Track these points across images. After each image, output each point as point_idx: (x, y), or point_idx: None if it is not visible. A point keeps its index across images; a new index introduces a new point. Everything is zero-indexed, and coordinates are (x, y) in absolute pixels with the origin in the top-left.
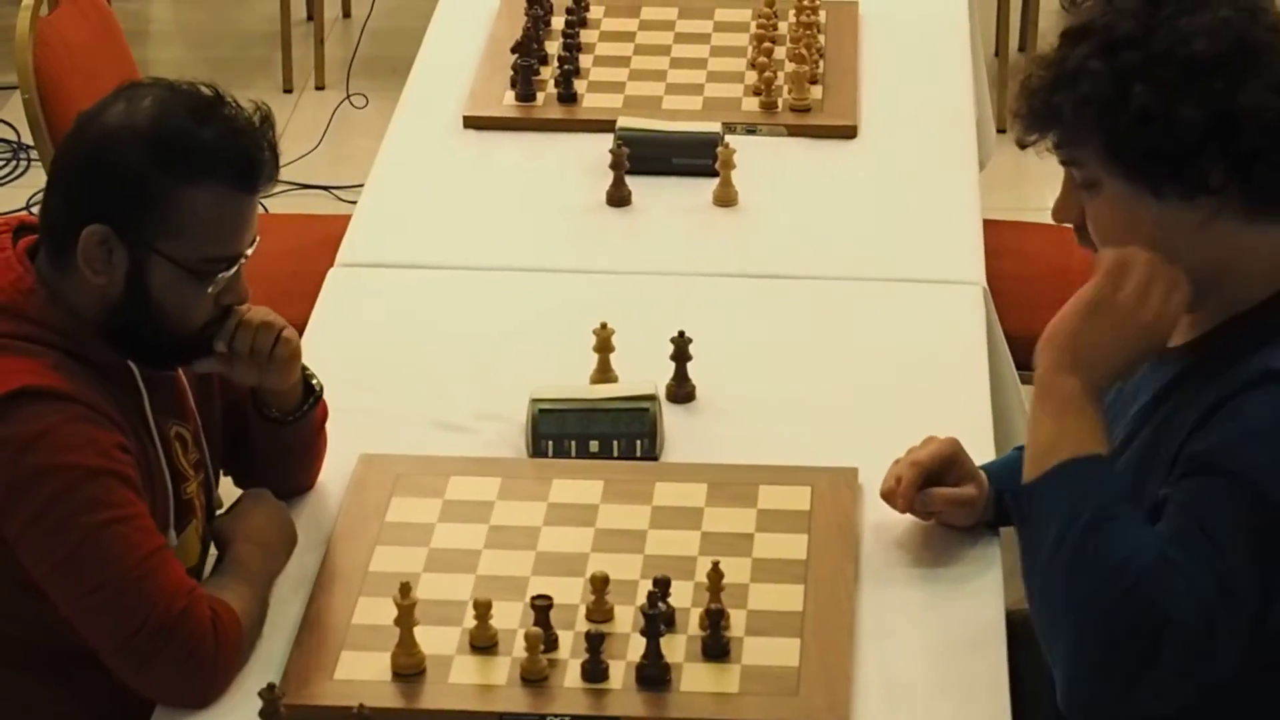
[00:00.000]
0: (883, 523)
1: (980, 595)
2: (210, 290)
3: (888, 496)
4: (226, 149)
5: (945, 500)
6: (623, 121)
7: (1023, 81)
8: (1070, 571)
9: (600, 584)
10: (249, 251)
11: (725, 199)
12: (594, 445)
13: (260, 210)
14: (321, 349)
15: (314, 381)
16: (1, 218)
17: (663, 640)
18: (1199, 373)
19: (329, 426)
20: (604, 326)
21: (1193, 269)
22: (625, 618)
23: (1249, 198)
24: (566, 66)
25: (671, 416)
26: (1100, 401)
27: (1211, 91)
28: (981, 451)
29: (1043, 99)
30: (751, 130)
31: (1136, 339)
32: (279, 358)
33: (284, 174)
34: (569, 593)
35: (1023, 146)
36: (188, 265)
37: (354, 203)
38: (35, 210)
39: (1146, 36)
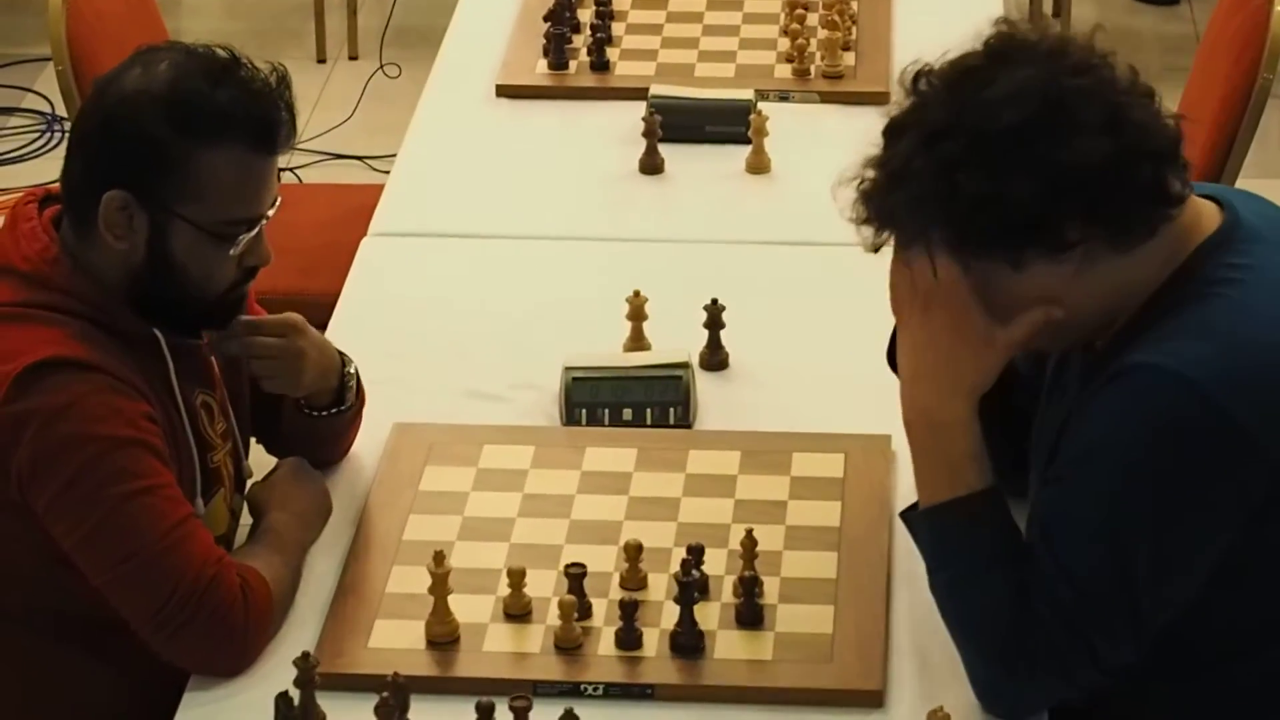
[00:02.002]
0: (915, 490)
1: None
2: (232, 253)
3: None
4: (243, 110)
5: None
6: (655, 89)
7: (858, 186)
8: (945, 612)
9: (634, 552)
10: (270, 213)
11: (758, 166)
12: (627, 413)
13: (294, 180)
14: (355, 319)
15: (350, 384)
16: (29, 189)
17: (696, 608)
18: (1093, 375)
19: (365, 395)
20: (637, 294)
21: (1087, 310)
22: (659, 586)
23: (1111, 237)
24: (599, 34)
25: (704, 384)
26: (962, 426)
27: (1036, 157)
28: None
29: (878, 203)
30: (784, 97)
31: (954, 330)
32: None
33: (317, 144)
34: (603, 561)
35: (874, 250)
36: (209, 228)
37: (387, 172)
38: None
39: (958, 120)
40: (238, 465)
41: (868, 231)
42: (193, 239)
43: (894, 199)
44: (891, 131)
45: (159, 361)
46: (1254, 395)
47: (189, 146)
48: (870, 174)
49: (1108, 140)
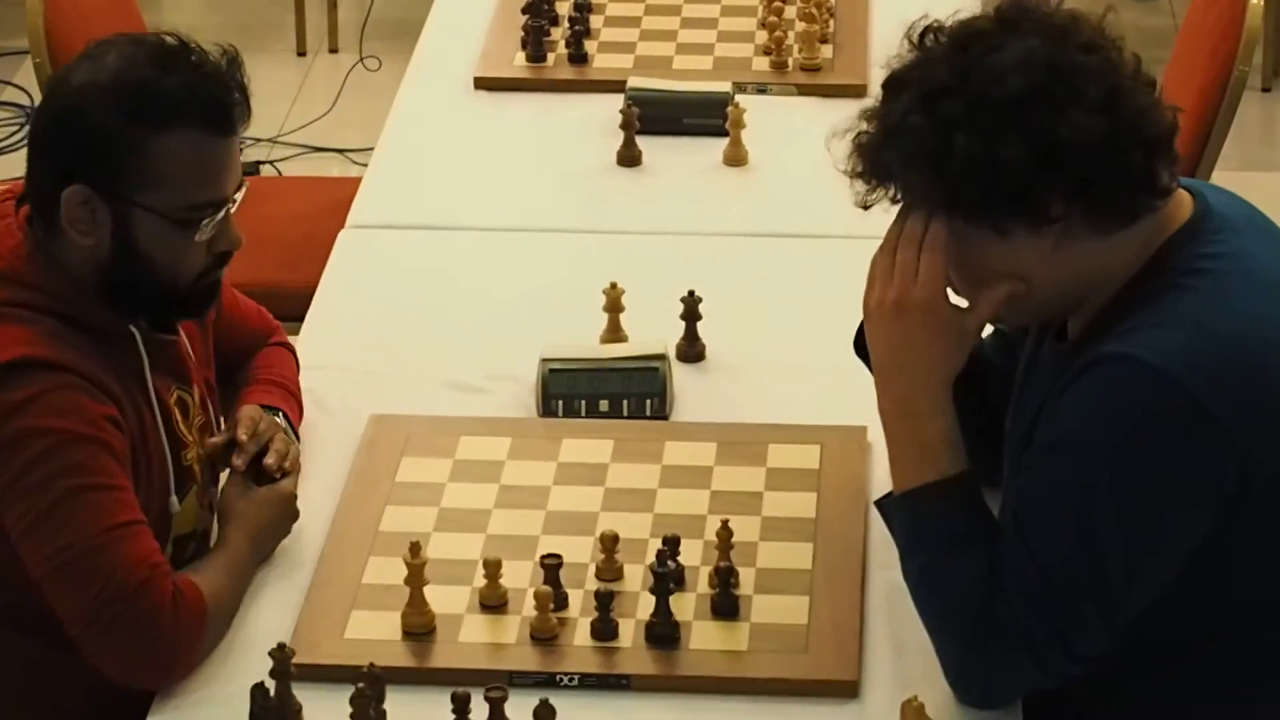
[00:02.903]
0: (891, 481)
1: None
2: (198, 238)
3: None
4: (192, 94)
5: None
6: (633, 81)
7: (854, 139)
8: (917, 597)
9: (610, 543)
10: (237, 196)
11: (735, 158)
12: (604, 404)
13: (274, 173)
14: (333, 310)
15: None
16: (10, 183)
17: (672, 599)
18: (1068, 363)
19: (340, 387)
20: (614, 286)
21: (1056, 287)
22: (635, 576)
23: (1093, 217)
24: (577, 27)
25: (681, 376)
26: (936, 413)
27: (1032, 127)
28: None
29: (872, 157)
30: (762, 90)
31: (929, 328)
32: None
33: (298, 137)
34: (579, 552)
35: (865, 207)
36: (172, 215)
37: (366, 165)
38: None
39: (961, 82)
40: (214, 462)
41: (860, 186)
42: (156, 227)
43: (888, 154)
44: (891, 85)
45: (133, 358)
46: (1227, 386)
47: (142, 134)
48: (866, 127)
49: (1105, 120)
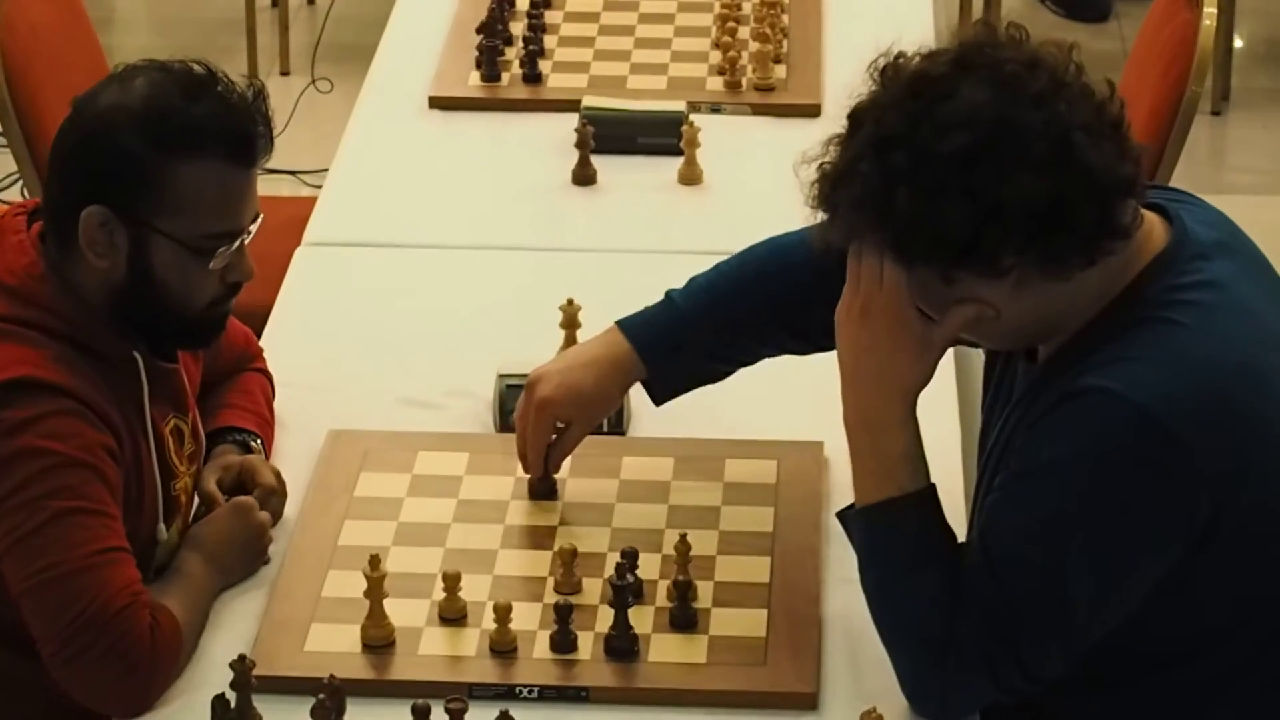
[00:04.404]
0: (849, 495)
1: None
2: (213, 267)
3: None
4: (219, 124)
5: None
6: (588, 101)
7: (819, 168)
8: (875, 611)
9: (568, 556)
10: (252, 228)
11: (690, 177)
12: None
13: None
14: (289, 327)
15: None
16: (22, 200)
17: (631, 612)
18: (1040, 387)
19: (298, 403)
20: (570, 303)
21: (1021, 319)
22: (593, 590)
23: (1045, 268)
24: (531, 47)
25: (638, 391)
26: (896, 426)
27: (976, 185)
28: (945, 420)
29: (824, 195)
30: (716, 109)
31: (893, 337)
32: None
33: None
34: (537, 565)
35: (824, 246)
36: (189, 243)
37: (319, 187)
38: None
39: (910, 132)
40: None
41: (821, 218)
42: (173, 254)
43: (838, 196)
44: (853, 120)
45: (134, 384)
46: (1203, 420)
47: (166, 161)
48: (830, 156)
49: (1051, 180)
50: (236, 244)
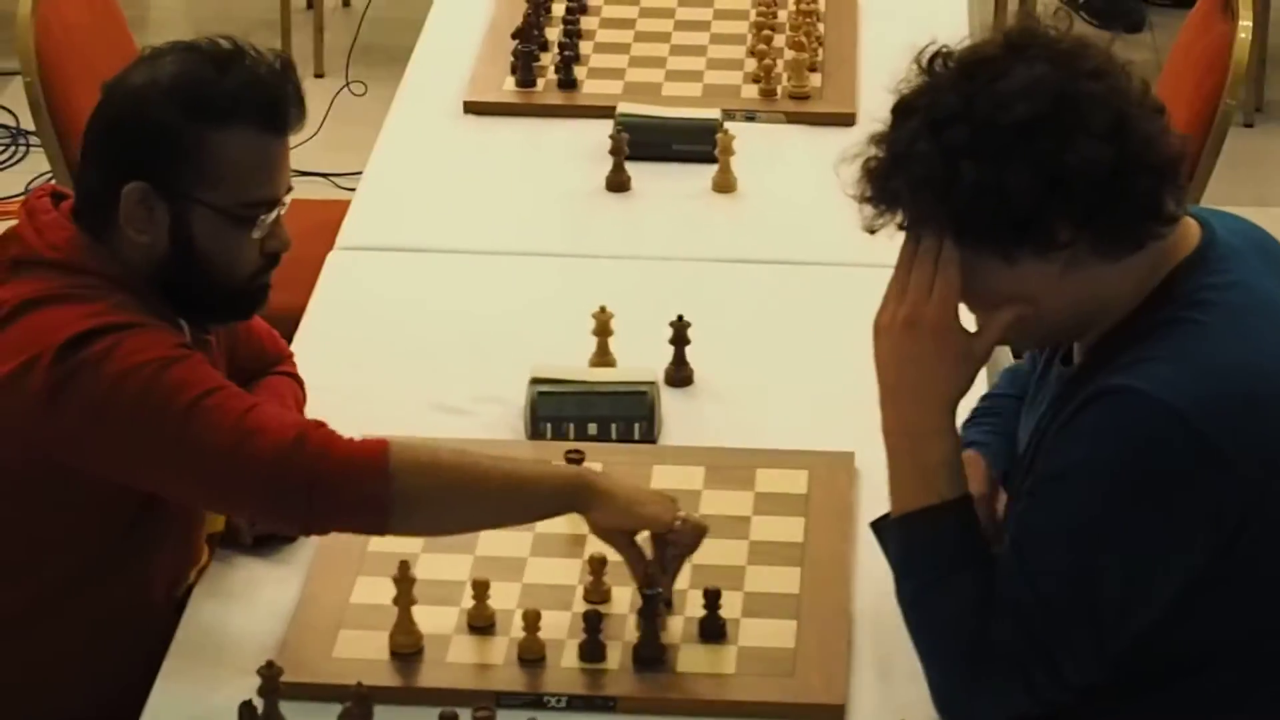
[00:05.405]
0: (879, 507)
1: None
2: (254, 235)
3: None
4: (250, 92)
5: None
6: (623, 108)
7: (863, 164)
8: (909, 621)
9: (598, 565)
10: (287, 199)
11: (724, 185)
12: (592, 428)
13: None
14: (321, 332)
15: None
16: (39, 187)
17: (659, 621)
18: (1072, 389)
19: (330, 408)
20: (603, 310)
21: (1062, 312)
22: (622, 599)
23: (1100, 243)
24: (567, 53)
25: (669, 400)
26: (939, 435)
27: (1039, 154)
28: None
29: (880, 183)
30: (751, 117)
31: (938, 348)
32: None
33: None
34: (567, 574)
35: (871, 231)
36: (229, 211)
37: (352, 190)
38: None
39: (967, 109)
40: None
41: (868, 210)
42: (214, 224)
43: (896, 181)
44: (900, 111)
45: None
46: (1230, 420)
47: (201, 131)
48: (875, 151)
49: (1111, 148)
50: (275, 213)
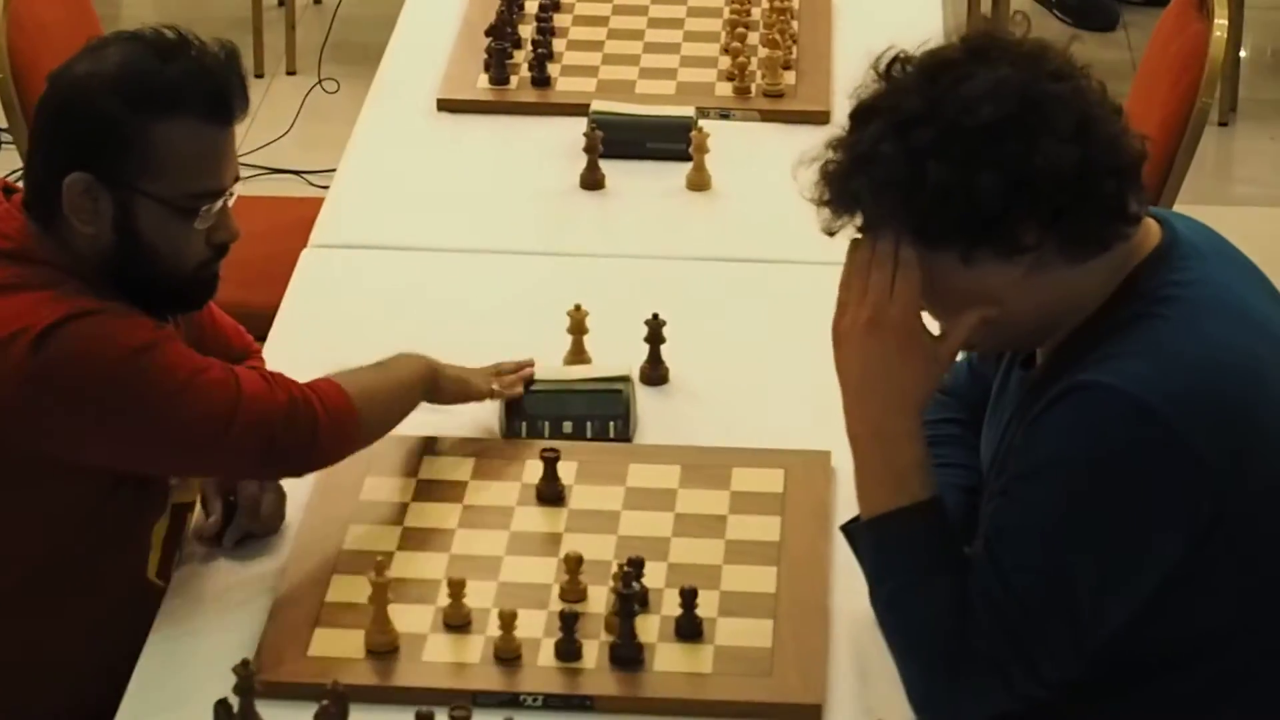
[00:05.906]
0: (855, 505)
1: None
2: (198, 226)
3: None
4: (194, 83)
5: None
6: (596, 105)
7: (821, 167)
8: (885, 624)
9: (574, 564)
10: (234, 189)
11: (698, 183)
12: (568, 426)
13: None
14: (295, 330)
15: None
16: None
17: (636, 620)
18: (1036, 392)
19: None
20: (578, 308)
21: (1028, 314)
22: (599, 598)
23: (1066, 246)
24: (540, 50)
25: (645, 398)
26: (908, 437)
27: (1005, 156)
28: None
29: (840, 185)
30: (725, 115)
31: (903, 349)
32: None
33: (255, 159)
34: (543, 573)
35: (830, 233)
36: (173, 202)
37: (325, 188)
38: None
39: (933, 111)
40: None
41: (826, 214)
42: (158, 215)
43: (858, 182)
44: (860, 115)
45: None
46: (1201, 414)
47: (145, 122)
48: (834, 155)
49: (1077, 149)
50: (220, 203)
